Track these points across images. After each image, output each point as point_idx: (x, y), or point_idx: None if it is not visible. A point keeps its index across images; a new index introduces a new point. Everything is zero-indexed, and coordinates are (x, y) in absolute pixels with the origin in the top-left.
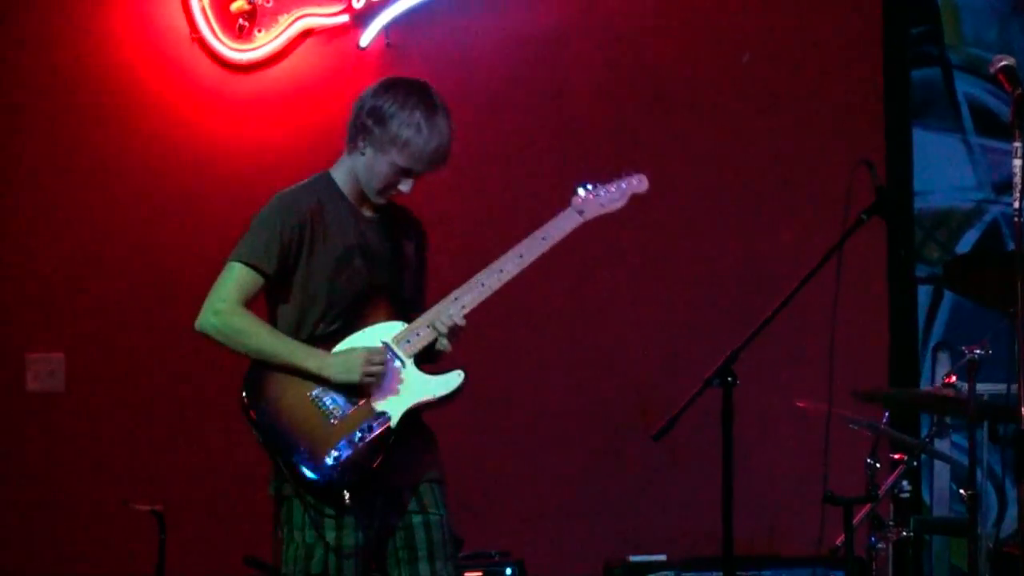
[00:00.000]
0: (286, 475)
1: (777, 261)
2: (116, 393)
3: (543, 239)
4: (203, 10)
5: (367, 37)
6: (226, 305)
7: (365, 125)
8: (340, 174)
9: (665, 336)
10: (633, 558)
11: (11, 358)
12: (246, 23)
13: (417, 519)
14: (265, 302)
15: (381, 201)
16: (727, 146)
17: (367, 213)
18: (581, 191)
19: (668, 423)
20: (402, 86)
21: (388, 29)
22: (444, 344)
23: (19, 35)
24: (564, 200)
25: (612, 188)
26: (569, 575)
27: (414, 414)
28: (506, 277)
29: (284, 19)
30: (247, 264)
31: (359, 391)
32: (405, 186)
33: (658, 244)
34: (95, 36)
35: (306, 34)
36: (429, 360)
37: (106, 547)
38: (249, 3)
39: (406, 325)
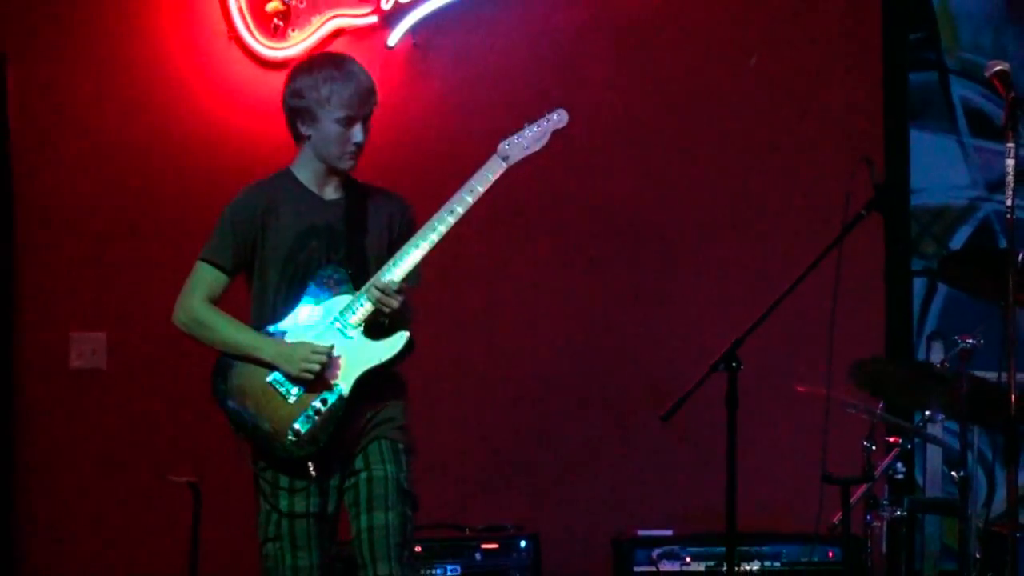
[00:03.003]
0: (254, 454)
1: (781, 254)
2: (154, 371)
3: (471, 191)
4: (240, 10)
5: (395, 37)
6: (192, 301)
7: (294, 108)
8: (297, 166)
9: (675, 323)
10: (641, 532)
11: (56, 337)
12: (280, 23)
13: (363, 476)
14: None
15: (349, 165)
16: (734, 144)
17: (331, 196)
18: (506, 138)
19: (676, 405)
20: (303, 63)
21: (415, 29)
22: (388, 306)
23: (72, 33)
24: (580, 191)
25: (534, 128)
26: (580, 548)
27: (368, 379)
28: (439, 235)
29: (316, 19)
30: (207, 262)
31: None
32: (357, 135)
33: (670, 236)
34: (140, 34)
35: (337, 33)
36: (394, 326)
37: (144, 516)
38: (283, 3)
39: (352, 297)
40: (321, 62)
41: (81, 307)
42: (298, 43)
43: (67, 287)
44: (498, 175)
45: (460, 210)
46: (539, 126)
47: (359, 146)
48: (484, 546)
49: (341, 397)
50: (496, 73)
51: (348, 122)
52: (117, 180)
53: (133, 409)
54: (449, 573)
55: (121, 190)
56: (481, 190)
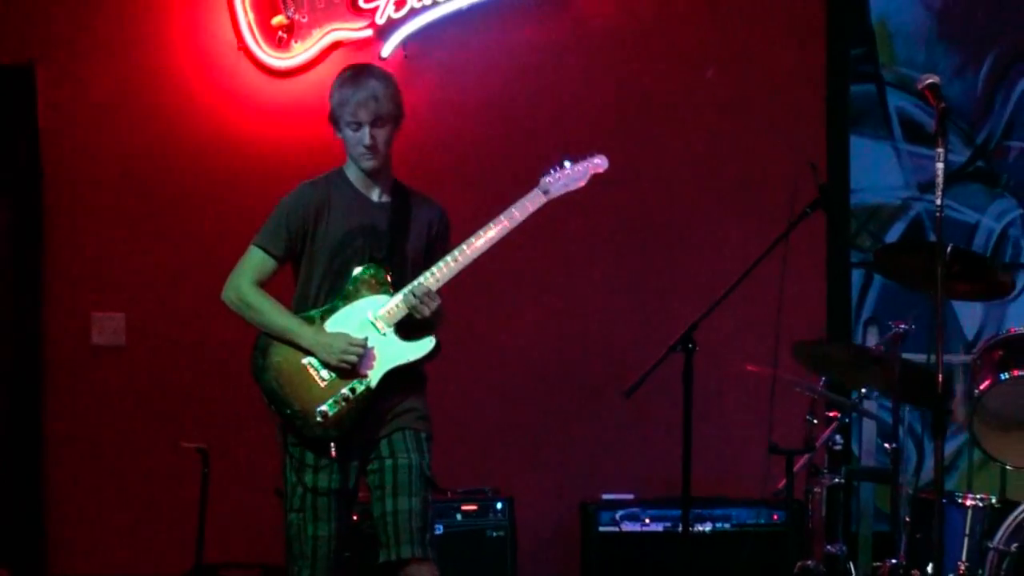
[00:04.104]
0: (285, 428)
1: (733, 248)
2: (169, 347)
3: (509, 217)
4: (248, 24)
5: (387, 48)
6: (241, 283)
7: (330, 114)
8: (347, 165)
9: (637, 308)
10: (605, 496)
11: (79, 316)
12: (285, 35)
13: (388, 463)
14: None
15: (366, 165)
16: (693, 148)
17: (377, 198)
18: (549, 173)
19: (638, 382)
20: (341, 71)
21: (406, 42)
22: (419, 312)
23: (94, 47)
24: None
25: (578, 168)
26: (551, 510)
27: (395, 374)
28: (476, 252)
29: (317, 32)
30: (260, 247)
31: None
32: (364, 138)
33: (635, 230)
34: (158, 43)
35: (336, 45)
36: (422, 327)
37: (158, 479)
38: (287, 18)
39: (390, 298)
40: (347, 71)
41: (102, 289)
42: (300, 54)
43: (89, 272)
44: (537, 206)
45: (496, 231)
46: (580, 166)
47: (368, 148)
48: (464, 508)
49: (369, 388)
50: (479, 82)
51: (357, 126)
52: (135, 175)
53: (149, 382)
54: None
55: (139, 184)
56: (519, 217)
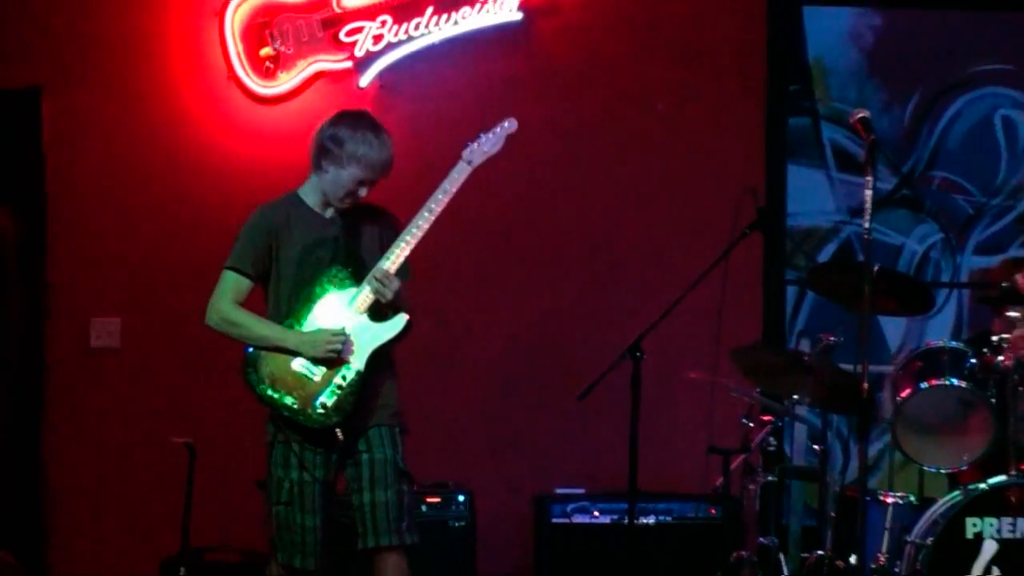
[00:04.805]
0: (281, 425)
1: (680, 263)
2: (161, 350)
3: (443, 191)
4: (238, 54)
5: (365, 79)
6: (221, 304)
7: (326, 148)
8: (305, 191)
9: (591, 318)
10: (558, 490)
11: (78, 321)
12: (271, 65)
13: (365, 457)
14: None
15: (345, 206)
16: (645, 173)
17: (328, 214)
18: (467, 146)
19: (590, 386)
20: (351, 115)
21: (382, 73)
22: (383, 295)
23: (96, 69)
24: (507, 213)
25: (490, 135)
26: (508, 502)
27: (377, 356)
28: (421, 231)
29: (301, 63)
30: (233, 269)
31: None
32: (363, 192)
33: (590, 247)
34: (155, 72)
35: (318, 76)
36: (393, 310)
37: (147, 471)
38: (274, 50)
39: (357, 289)
40: (365, 123)
41: (100, 297)
42: (285, 83)
43: (88, 280)
44: (464, 176)
45: (436, 208)
46: (494, 133)
47: (358, 199)
48: (428, 500)
49: (358, 372)
50: (448, 110)
51: (362, 182)
52: (131, 193)
53: (142, 381)
54: None
55: (135, 202)
56: (452, 190)
